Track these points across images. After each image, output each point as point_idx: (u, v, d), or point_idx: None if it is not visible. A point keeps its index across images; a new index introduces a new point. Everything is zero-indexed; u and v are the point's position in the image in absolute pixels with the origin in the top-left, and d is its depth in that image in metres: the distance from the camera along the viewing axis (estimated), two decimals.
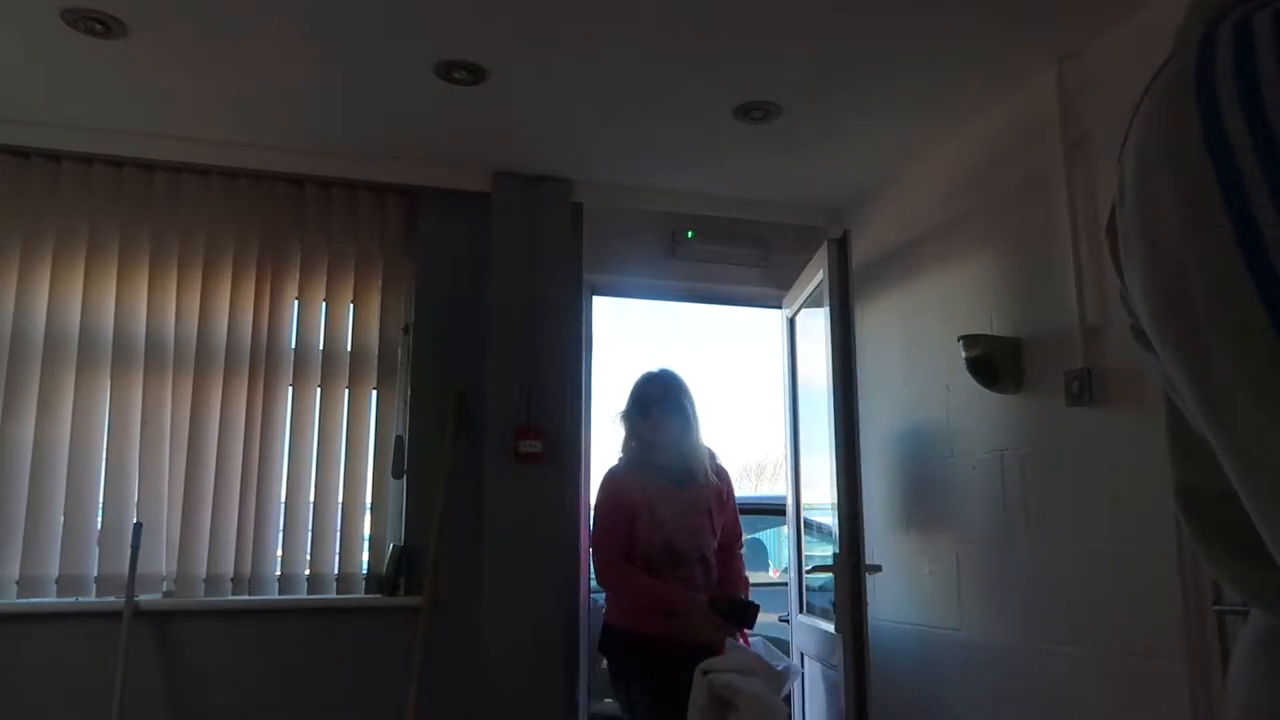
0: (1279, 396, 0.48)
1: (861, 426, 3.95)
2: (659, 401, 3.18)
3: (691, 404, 3.24)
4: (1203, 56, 0.55)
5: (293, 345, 3.67)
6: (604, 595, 3.40)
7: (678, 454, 3.19)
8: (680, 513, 3.14)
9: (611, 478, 3.27)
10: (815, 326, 3.97)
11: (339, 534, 3.62)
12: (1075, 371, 2.78)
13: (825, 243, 3.55)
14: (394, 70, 3.04)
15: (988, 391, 3.12)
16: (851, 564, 3.36)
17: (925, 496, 3.53)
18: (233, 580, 3.47)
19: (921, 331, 3.61)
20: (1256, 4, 0.54)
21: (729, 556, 3.33)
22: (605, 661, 3.27)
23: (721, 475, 3.37)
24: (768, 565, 6.69)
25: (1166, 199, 0.54)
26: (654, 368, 3.34)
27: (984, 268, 3.30)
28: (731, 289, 4.43)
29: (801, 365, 4.29)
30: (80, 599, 3.32)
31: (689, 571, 3.11)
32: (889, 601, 3.68)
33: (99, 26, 2.73)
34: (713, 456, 3.34)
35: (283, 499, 3.57)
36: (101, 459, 3.41)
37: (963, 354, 3.12)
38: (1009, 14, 2.69)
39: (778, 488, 4.03)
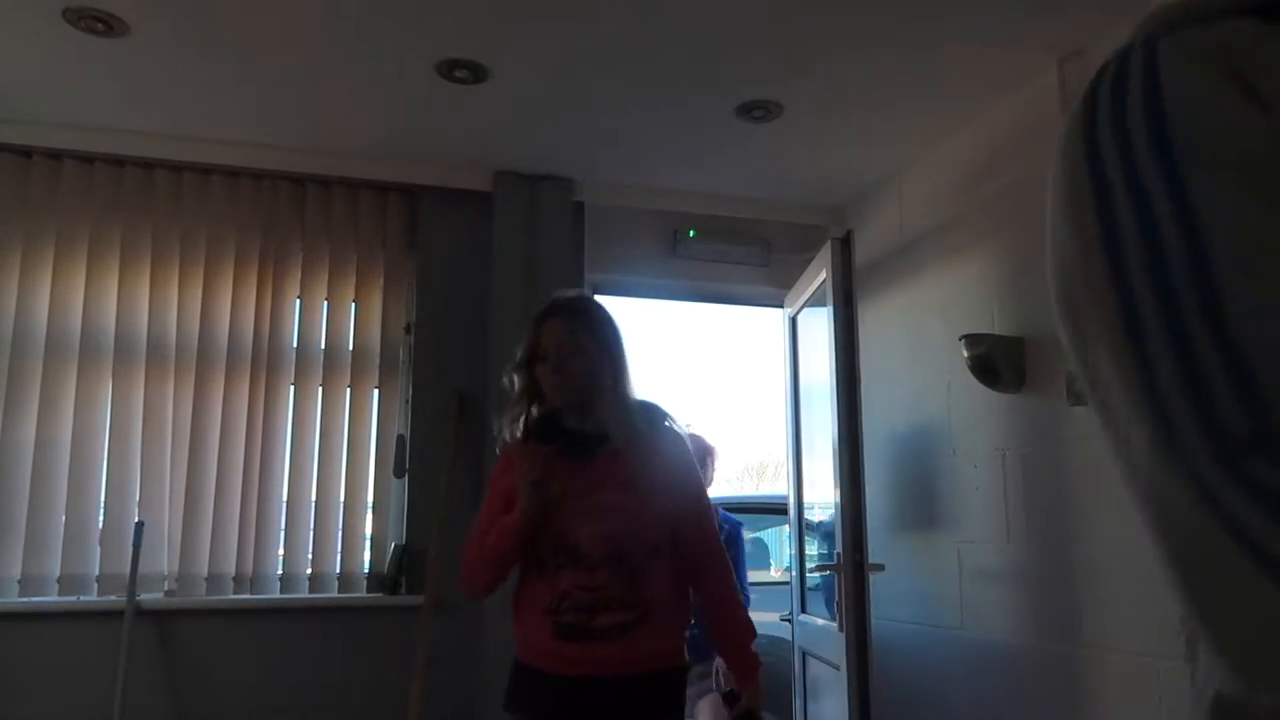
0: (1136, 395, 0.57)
1: (863, 425, 3.94)
2: (553, 341, 2.13)
3: (602, 339, 2.16)
4: (1094, 83, 0.64)
5: (294, 344, 3.67)
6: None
7: (580, 408, 2.12)
8: (579, 490, 2.05)
9: (500, 456, 2.28)
10: (817, 326, 3.97)
11: (340, 533, 3.62)
12: None
13: (829, 242, 3.55)
14: (395, 69, 3.04)
15: (989, 390, 3.12)
16: (855, 563, 3.35)
17: (927, 495, 3.53)
18: (234, 579, 3.47)
19: (923, 330, 3.61)
20: (1137, 41, 0.65)
21: (712, 587, 2.18)
22: None
23: (668, 439, 2.20)
24: (769, 564, 6.71)
25: (1059, 204, 0.62)
26: (557, 295, 2.31)
27: (985, 267, 3.30)
28: (733, 288, 4.42)
29: (803, 365, 4.29)
30: (82, 598, 3.32)
31: (596, 578, 2.01)
32: (891, 600, 3.68)
33: (100, 25, 2.73)
34: (662, 416, 2.21)
35: (284, 498, 3.57)
36: (103, 458, 3.41)
37: (964, 353, 3.12)
38: (1011, 13, 2.69)
39: (779, 487, 4.01)
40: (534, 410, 2.19)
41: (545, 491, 2.01)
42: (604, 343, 2.15)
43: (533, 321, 2.19)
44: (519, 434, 2.19)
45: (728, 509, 4.00)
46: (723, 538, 3.68)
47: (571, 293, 2.31)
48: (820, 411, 3.92)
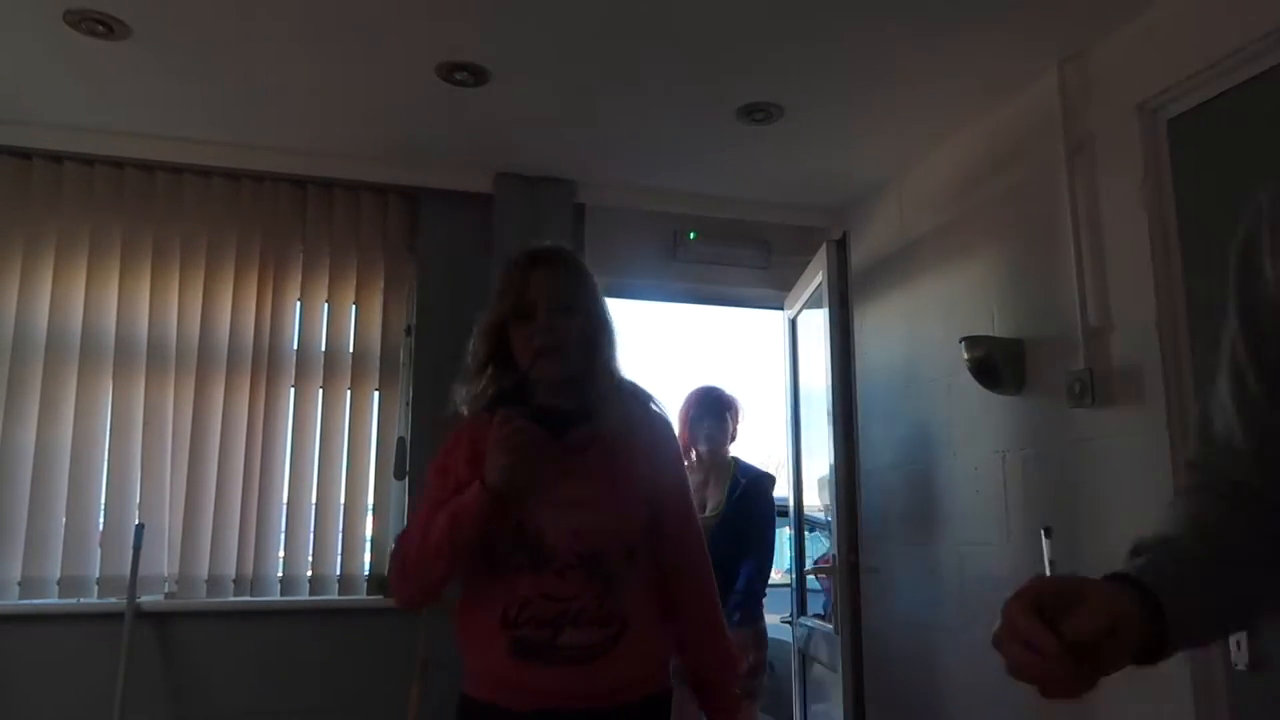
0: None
1: (863, 427, 3.95)
2: (542, 294, 1.75)
3: (599, 298, 1.87)
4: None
5: (295, 346, 3.67)
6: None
7: (565, 379, 1.74)
8: (552, 478, 1.64)
9: (450, 435, 1.80)
10: (816, 328, 3.98)
11: (341, 535, 3.62)
12: (1077, 372, 2.77)
13: (824, 244, 3.55)
14: (396, 71, 3.04)
15: (989, 392, 3.12)
16: (849, 565, 3.35)
17: (927, 497, 3.53)
18: (234, 581, 3.47)
19: (923, 332, 3.61)
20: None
21: (690, 602, 1.78)
22: None
23: (659, 425, 1.84)
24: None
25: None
26: (534, 244, 1.92)
27: (986, 269, 3.30)
28: (733, 290, 4.42)
29: (803, 366, 4.29)
30: (82, 600, 3.32)
31: (565, 584, 1.61)
32: (892, 601, 3.68)
33: (101, 28, 2.74)
34: (648, 397, 1.85)
35: (285, 500, 3.57)
36: (103, 460, 3.41)
37: (964, 355, 3.12)
38: (1011, 15, 2.69)
39: (780, 489, 4.00)
40: (488, 388, 1.75)
41: (523, 460, 1.56)
42: (600, 303, 1.83)
43: (509, 271, 1.77)
44: (478, 410, 1.72)
45: None
46: (737, 493, 3.50)
47: (549, 243, 1.89)
48: (819, 413, 3.93)
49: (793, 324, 4.33)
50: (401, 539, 1.72)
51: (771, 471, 3.76)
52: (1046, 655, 0.76)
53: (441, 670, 3.43)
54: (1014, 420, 3.11)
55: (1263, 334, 0.85)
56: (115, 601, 3.28)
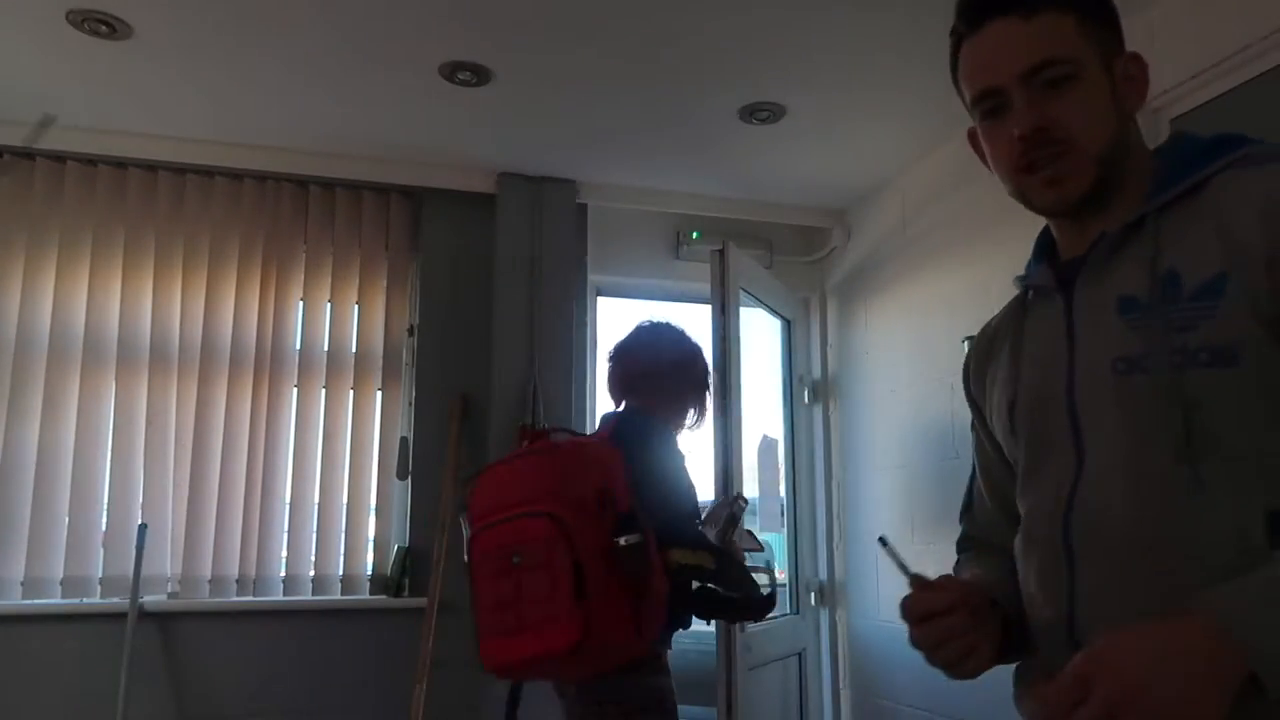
0: None
1: (866, 427, 3.97)
2: None
3: None
4: None
5: (297, 346, 3.67)
6: None
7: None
8: None
9: None
10: (804, 328, 3.98)
11: (343, 535, 3.62)
12: None
13: (709, 252, 3.50)
14: (398, 71, 3.04)
15: None
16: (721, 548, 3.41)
17: (929, 497, 3.53)
18: (237, 581, 3.47)
19: (925, 331, 3.61)
20: None
21: None
22: None
23: None
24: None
25: None
26: None
27: (989, 267, 3.30)
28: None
29: (798, 365, 4.32)
30: (85, 600, 3.32)
31: None
32: (892, 602, 3.68)
33: (103, 28, 2.74)
34: None
35: (287, 500, 3.57)
36: (106, 460, 3.41)
37: (967, 355, 3.11)
38: None
39: (782, 488, 4.02)
40: None
41: None
42: None
43: None
44: None
45: None
46: None
47: None
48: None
49: (789, 324, 4.34)
50: None
51: None
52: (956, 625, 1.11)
53: (446, 671, 3.44)
54: None
55: (990, 435, 1.20)
56: (118, 601, 3.28)
